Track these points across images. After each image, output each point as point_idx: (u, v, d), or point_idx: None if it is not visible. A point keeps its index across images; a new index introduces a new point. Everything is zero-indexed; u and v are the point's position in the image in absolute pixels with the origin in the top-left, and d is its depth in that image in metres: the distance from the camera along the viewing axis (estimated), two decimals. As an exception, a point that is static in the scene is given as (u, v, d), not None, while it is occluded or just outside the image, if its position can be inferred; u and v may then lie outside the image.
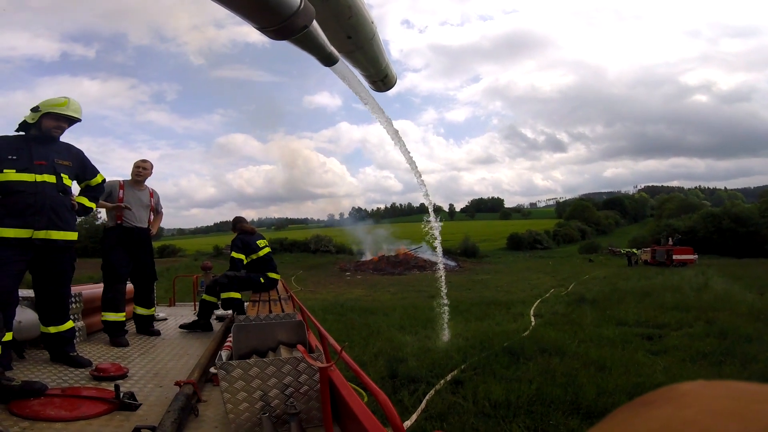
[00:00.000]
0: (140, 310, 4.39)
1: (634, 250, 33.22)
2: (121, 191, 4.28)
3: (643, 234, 49.22)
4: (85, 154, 3.43)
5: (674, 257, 27.91)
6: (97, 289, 4.43)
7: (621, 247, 39.35)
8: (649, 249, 31.22)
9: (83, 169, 3.39)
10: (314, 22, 2.59)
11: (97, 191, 3.56)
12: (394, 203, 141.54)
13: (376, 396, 1.32)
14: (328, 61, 3.34)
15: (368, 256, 37.52)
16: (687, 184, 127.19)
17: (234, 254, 4.90)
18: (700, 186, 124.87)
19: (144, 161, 4.55)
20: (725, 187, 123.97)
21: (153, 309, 4.53)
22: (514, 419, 4.35)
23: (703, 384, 0.29)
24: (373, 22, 3.32)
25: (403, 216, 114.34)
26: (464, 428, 4.23)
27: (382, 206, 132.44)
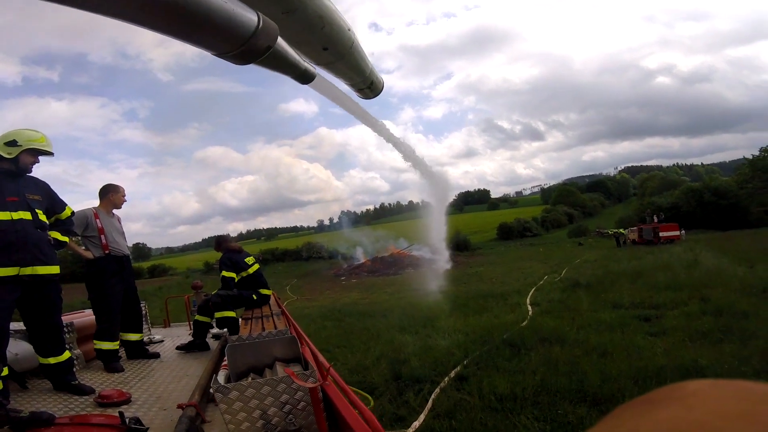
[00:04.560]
0: (131, 336, 4.31)
1: (622, 230, 33.81)
2: (98, 220, 4.16)
3: (629, 213, 50.19)
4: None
5: (661, 234, 28.49)
6: (87, 317, 4.40)
7: (609, 228, 40.02)
8: (635, 228, 31.74)
9: (52, 202, 3.38)
10: (280, 40, 2.44)
11: (67, 224, 3.55)
12: (383, 203, 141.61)
13: (363, 414, 1.37)
14: (305, 78, 3.19)
15: (362, 259, 37.40)
16: (665, 162, 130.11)
17: (225, 273, 4.85)
18: (677, 163, 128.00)
19: (122, 187, 4.46)
20: (702, 163, 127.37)
21: (142, 334, 4.48)
22: (522, 411, 4.34)
23: (710, 383, 0.29)
24: (350, 29, 3.15)
25: (393, 215, 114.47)
26: (473, 424, 4.21)
27: (372, 207, 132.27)
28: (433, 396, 4.92)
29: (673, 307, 8.42)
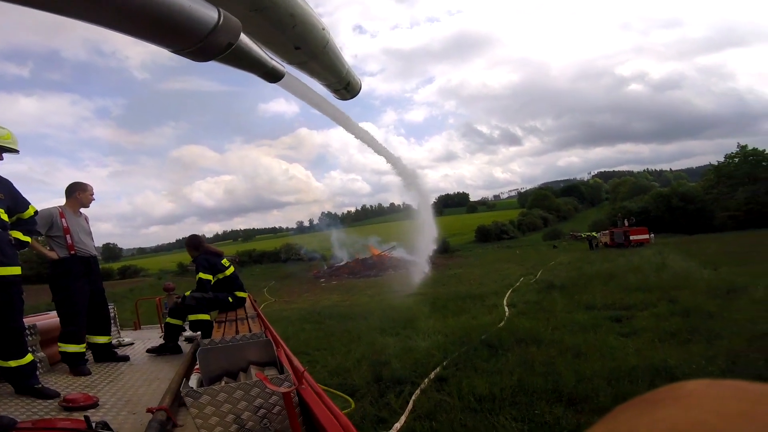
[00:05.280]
0: (99, 339, 4.15)
1: (594, 234, 34.96)
2: (63, 219, 3.96)
3: (601, 217, 51.97)
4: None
5: (631, 238, 29.60)
6: (52, 319, 4.20)
7: (582, 232, 41.30)
8: (607, 232, 32.90)
9: (14, 201, 3.24)
10: (244, 37, 2.36)
11: (29, 224, 3.41)
12: (364, 205, 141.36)
13: (339, 419, 1.38)
14: (272, 77, 3.10)
15: (342, 261, 37.18)
16: (636, 168, 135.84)
17: (201, 275, 4.70)
18: (648, 169, 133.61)
19: (90, 186, 4.26)
20: (670, 169, 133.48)
21: (110, 337, 4.31)
22: (500, 412, 4.39)
23: (709, 383, 0.28)
24: (324, 29, 3.08)
25: (374, 217, 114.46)
26: (453, 425, 4.23)
27: (353, 209, 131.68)
28: (413, 397, 4.92)
29: (643, 308, 8.73)
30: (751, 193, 41.00)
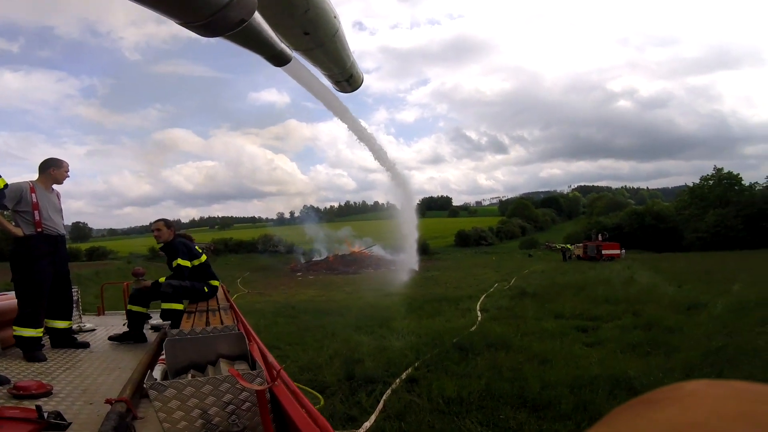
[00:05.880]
0: (58, 324, 3.96)
1: (569, 246, 35.94)
2: (34, 195, 3.78)
3: (577, 230, 53.46)
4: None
5: (603, 252, 30.63)
6: (8, 300, 3.99)
7: (557, 243, 42.35)
8: (581, 245, 33.96)
9: None
10: (257, 16, 2.25)
11: None
12: (348, 201, 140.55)
13: (317, 420, 1.37)
14: (279, 60, 2.98)
15: (321, 256, 36.90)
16: (614, 184, 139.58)
17: (180, 261, 4.48)
18: (625, 186, 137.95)
19: (66, 162, 4.08)
20: (647, 187, 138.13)
21: (71, 322, 4.12)
22: (467, 415, 4.46)
23: (708, 384, 0.29)
24: (336, 17, 2.98)
25: (358, 214, 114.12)
26: (421, 426, 4.28)
27: (336, 204, 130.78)
28: (384, 397, 4.93)
29: (608, 320, 9.04)
30: (720, 216, 42.84)
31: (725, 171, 48.27)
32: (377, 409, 4.64)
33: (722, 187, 46.85)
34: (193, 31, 2.00)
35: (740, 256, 28.73)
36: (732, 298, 10.59)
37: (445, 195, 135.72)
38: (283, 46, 2.87)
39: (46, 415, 2.01)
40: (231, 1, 1.85)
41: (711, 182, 48.42)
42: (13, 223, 3.73)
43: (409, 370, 5.89)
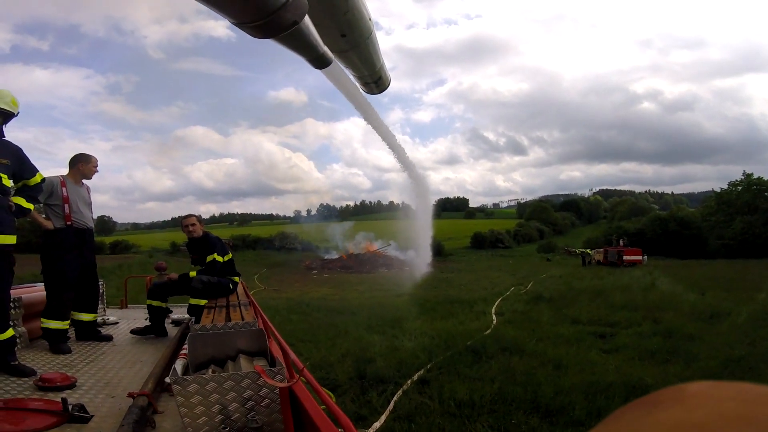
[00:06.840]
0: (84, 316, 4.08)
1: (588, 251, 35.10)
2: (64, 189, 3.94)
3: (597, 235, 52.14)
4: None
5: (624, 258, 29.79)
6: (38, 292, 4.13)
7: (576, 247, 41.43)
8: (601, 250, 33.10)
9: (21, 167, 3.18)
10: (306, 19, 2.27)
11: (35, 191, 3.35)
12: (363, 201, 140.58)
13: (338, 419, 1.37)
14: (321, 62, 3.00)
15: (335, 254, 37.17)
16: (637, 189, 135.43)
17: (217, 257, 4.49)
18: (649, 190, 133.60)
19: (94, 158, 4.24)
20: (672, 192, 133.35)
21: (96, 315, 4.25)
22: (478, 419, 4.44)
23: (710, 385, 0.28)
24: (370, 19, 3.00)
25: (372, 213, 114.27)
26: (431, 429, 4.28)
27: (351, 203, 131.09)
28: (395, 398, 4.95)
29: (627, 327, 8.83)
30: (748, 223, 41.10)
31: (755, 177, 46.22)
32: (388, 409, 4.66)
33: (751, 193, 44.87)
34: (246, 32, 2.04)
35: (767, 264, 27.53)
36: (756, 307, 10.20)
37: (461, 196, 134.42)
38: (326, 48, 2.90)
39: (70, 408, 2.08)
40: (286, 3, 1.87)
41: (740, 188, 46.47)
42: (44, 216, 3.90)
43: (421, 371, 5.90)
